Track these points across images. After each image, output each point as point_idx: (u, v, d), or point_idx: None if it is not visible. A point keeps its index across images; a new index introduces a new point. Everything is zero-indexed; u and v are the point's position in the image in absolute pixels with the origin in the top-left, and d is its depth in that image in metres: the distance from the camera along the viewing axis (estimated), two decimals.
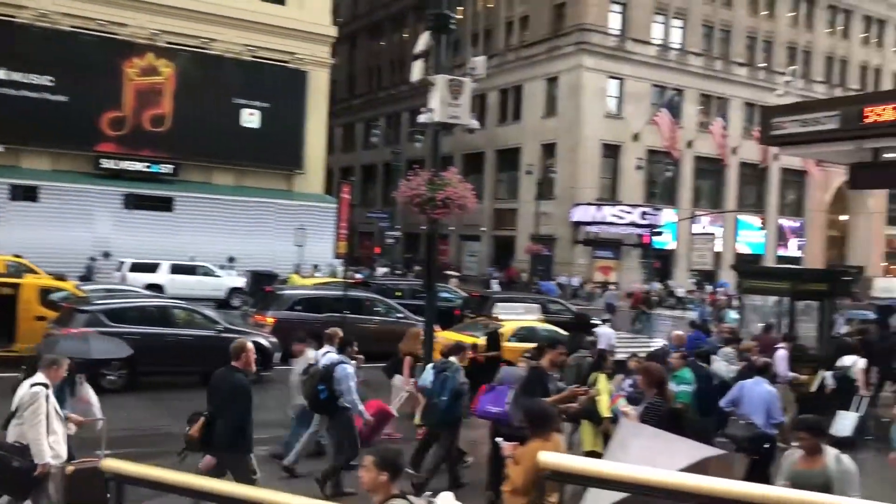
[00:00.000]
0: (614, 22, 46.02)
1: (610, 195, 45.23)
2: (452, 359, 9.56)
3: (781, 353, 13.29)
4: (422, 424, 10.00)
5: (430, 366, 10.27)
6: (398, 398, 11.45)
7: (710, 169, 48.54)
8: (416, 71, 12.06)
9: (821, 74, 55.13)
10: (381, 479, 4.30)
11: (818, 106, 18.51)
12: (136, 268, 27.95)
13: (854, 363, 12.99)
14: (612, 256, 45.68)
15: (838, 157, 18.57)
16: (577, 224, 44.13)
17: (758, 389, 9.19)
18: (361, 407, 9.13)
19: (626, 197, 44.80)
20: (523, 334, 16.21)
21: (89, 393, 8.84)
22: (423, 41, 11.96)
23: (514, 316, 17.42)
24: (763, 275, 19.39)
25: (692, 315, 28.22)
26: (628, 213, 43.46)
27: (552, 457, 3.28)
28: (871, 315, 24.38)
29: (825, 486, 5.67)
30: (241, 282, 29.82)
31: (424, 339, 11.81)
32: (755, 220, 51.18)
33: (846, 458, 5.75)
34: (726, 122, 41.75)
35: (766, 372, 9.83)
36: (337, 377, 8.85)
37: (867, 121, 14.57)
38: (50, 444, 6.45)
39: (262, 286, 23.98)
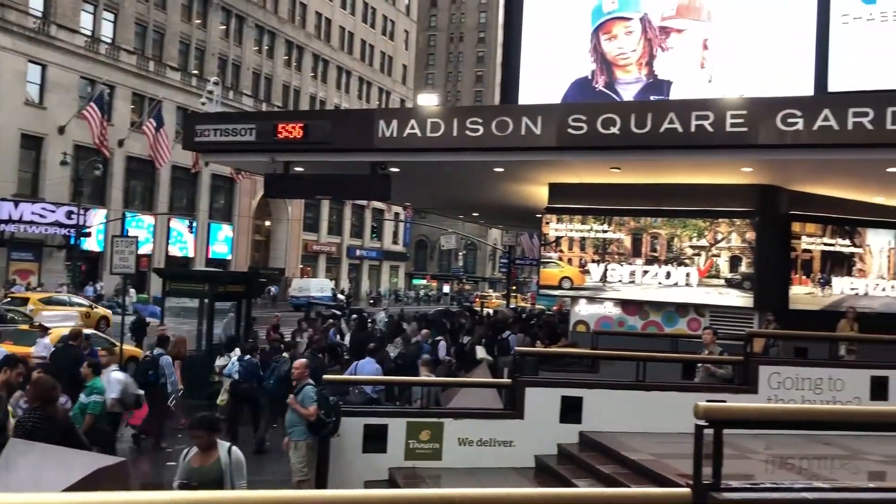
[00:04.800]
0: (36, 2, 41.94)
1: (30, 191, 41.03)
2: (285, 354, 13.16)
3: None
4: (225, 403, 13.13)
5: (236, 358, 13.44)
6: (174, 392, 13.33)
7: (142, 170, 47.76)
8: None
9: (249, 88, 58.95)
10: None
11: (238, 118, 19.73)
12: None
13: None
14: (32, 259, 41.49)
15: (256, 167, 20.02)
16: None
17: (368, 367, 12.11)
18: (179, 385, 13.46)
19: (50, 194, 41.19)
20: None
21: None
22: None
23: (58, 323, 18.03)
24: (185, 278, 19.87)
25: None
26: (52, 211, 40.01)
27: None
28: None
29: (219, 480, 6.00)
30: None
31: None
32: (186, 224, 52.13)
33: (236, 450, 6.17)
34: (159, 123, 41.50)
35: (376, 353, 13.15)
36: (161, 365, 12.49)
37: (280, 136, 16.06)
38: None
39: None
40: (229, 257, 56.04)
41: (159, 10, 50.27)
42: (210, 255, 53.94)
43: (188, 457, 6.16)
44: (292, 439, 8.75)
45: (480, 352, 16.91)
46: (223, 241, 56.04)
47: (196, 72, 53.17)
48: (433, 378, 11.45)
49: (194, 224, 52.66)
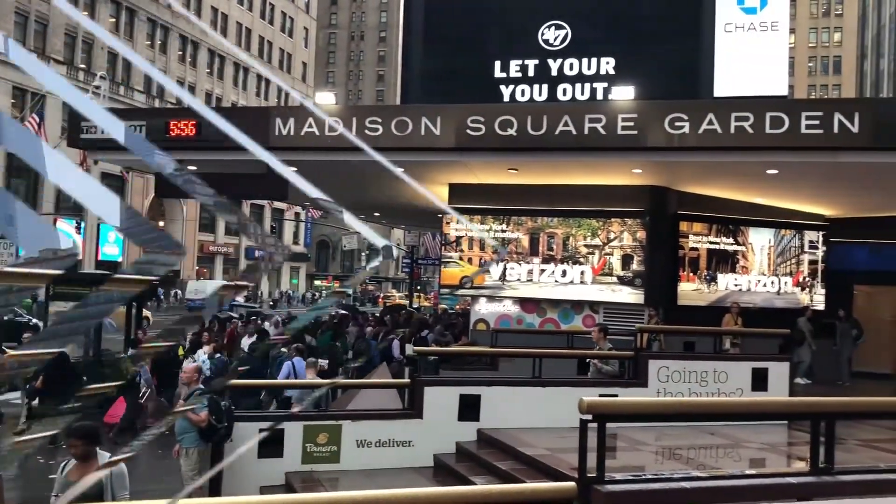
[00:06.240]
0: None
1: None
2: (283, 349, 13.81)
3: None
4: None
5: (206, 355, 14.23)
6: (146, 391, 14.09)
7: (25, 167, 45.12)
8: None
9: (141, 84, 56.78)
10: None
11: (127, 115, 18.96)
12: None
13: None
14: None
15: (147, 166, 19.26)
16: None
17: (303, 365, 12.44)
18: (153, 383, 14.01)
19: None
20: None
21: None
22: None
23: None
24: (71, 281, 18.86)
25: None
26: None
27: None
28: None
29: (99, 493, 5.70)
30: None
31: None
32: (73, 224, 49.71)
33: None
34: (41, 119, 39.28)
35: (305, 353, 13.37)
36: None
37: (172, 134, 15.53)
38: None
39: None
40: (121, 259, 53.82)
41: (41, 0, 47.78)
42: (100, 257, 51.72)
43: (65, 470, 5.83)
44: (183, 446, 8.45)
45: (409, 349, 16.89)
46: (114, 243, 53.77)
47: (83, 66, 50.86)
48: (324, 381, 11.31)
49: (83, 224, 50.30)
